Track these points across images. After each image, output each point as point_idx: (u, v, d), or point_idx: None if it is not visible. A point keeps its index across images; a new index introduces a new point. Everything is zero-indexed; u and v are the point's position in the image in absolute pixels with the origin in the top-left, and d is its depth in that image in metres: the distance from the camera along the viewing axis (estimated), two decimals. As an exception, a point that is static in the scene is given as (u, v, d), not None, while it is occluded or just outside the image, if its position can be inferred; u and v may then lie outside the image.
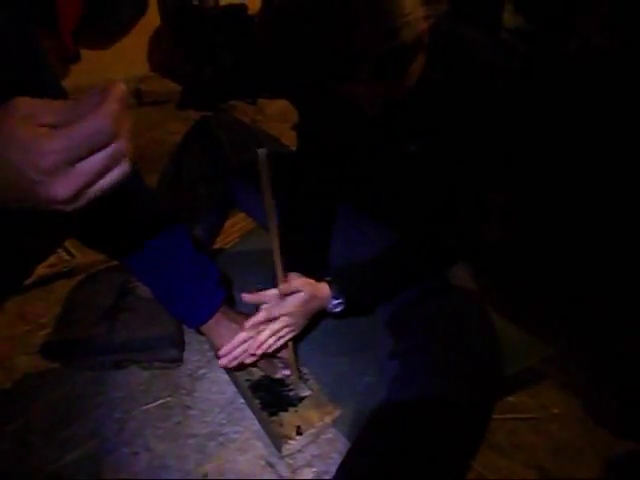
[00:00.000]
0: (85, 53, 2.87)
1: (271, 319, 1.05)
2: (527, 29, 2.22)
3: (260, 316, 1.05)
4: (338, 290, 1.06)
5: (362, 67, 0.83)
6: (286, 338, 1.08)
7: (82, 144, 0.48)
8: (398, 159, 1.10)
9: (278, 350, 1.11)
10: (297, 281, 1.03)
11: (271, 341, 1.07)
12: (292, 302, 1.04)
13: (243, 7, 3.03)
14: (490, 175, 1.07)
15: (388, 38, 0.81)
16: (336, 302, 1.06)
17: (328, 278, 1.08)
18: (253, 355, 1.09)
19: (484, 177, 1.06)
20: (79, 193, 0.50)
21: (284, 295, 1.04)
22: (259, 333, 1.06)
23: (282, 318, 1.05)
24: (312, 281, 1.06)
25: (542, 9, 2.16)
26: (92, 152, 0.49)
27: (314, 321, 1.17)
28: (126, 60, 3.06)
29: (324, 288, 1.06)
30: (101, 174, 0.50)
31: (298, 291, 1.04)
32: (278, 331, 1.06)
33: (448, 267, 1.12)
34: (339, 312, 1.08)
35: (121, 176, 0.52)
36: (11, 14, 0.73)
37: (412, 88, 0.94)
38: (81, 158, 0.49)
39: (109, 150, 0.50)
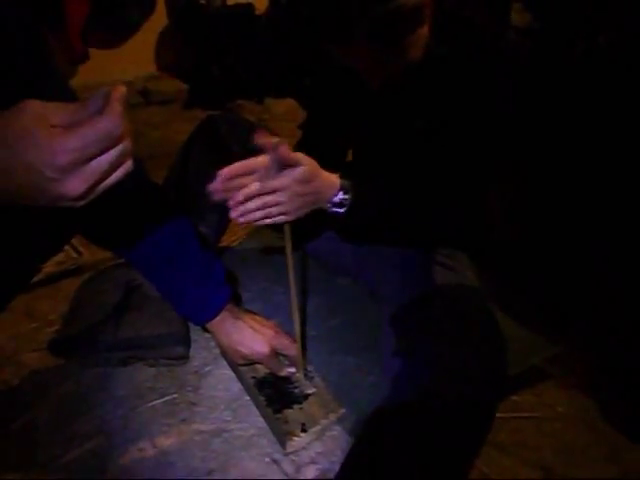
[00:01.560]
0: (93, 52, 2.88)
1: (264, 193, 0.90)
2: (535, 27, 2.21)
3: (253, 187, 0.89)
4: (347, 184, 0.96)
5: (359, 26, 0.84)
6: (274, 216, 0.92)
7: (94, 143, 0.51)
8: (404, 135, 1.10)
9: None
10: (300, 155, 0.90)
11: (258, 214, 0.91)
12: (291, 175, 0.89)
13: (250, 7, 3.03)
14: (494, 152, 1.07)
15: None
16: (341, 197, 0.96)
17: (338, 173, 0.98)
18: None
19: (489, 153, 1.06)
20: (90, 189, 0.53)
21: (283, 165, 0.89)
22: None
23: (275, 195, 0.89)
24: (316, 168, 0.93)
25: (550, 7, 2.16)
26: (102, 151, 0.52)
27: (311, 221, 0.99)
28: (133, 59, 3.07)
29: (332, 175, 0.95)
30: (110, 172, 0.54)
31: (301, 164, 0.90)
32: (267, 203, 0.90)
33: (453, 234, 1.11)
34: (341, 213, 0.97)
35: (125, 172, 0.56)
36: (20, 17, 0.74)
37: (416, 63, 0.95)
38: (92, 157, 0.52)
39: (117, 149, 0.53)
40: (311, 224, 0.98)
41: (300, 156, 0.89)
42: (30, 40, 0.76)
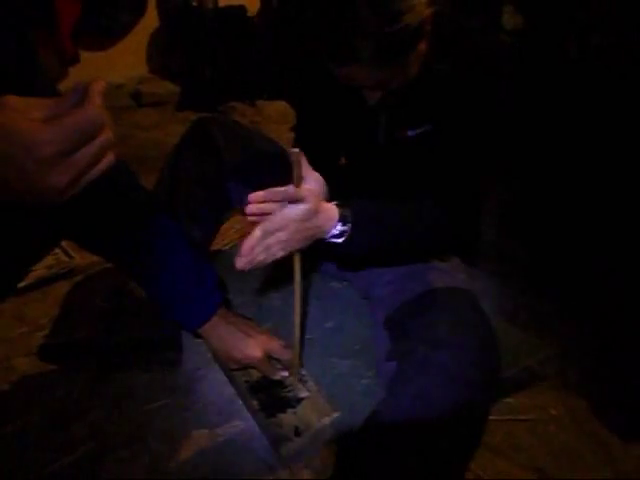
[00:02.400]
0: (84, 54, 2.89)
1: (266, 234, 0.93)
2: (526, 30, 2.23)
3: (255, 235, 0.92)
4: (346, 215, 0.96)
5: (364, 48, 0.84)
6: (276, 254, 0.95)
7: (75, 134, 0.52)
8: (395, 146, 1.11)
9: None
10: (305, 191, 0.92)
11: (262, 256, 0.94)
12: (293, 213, 0.92)
13: (242, 8, 3.04)
14: (488, 159, 1.08)
15: (391, 20, 0.82)
16: (340, 228, 0.97)
17: (337, 202, 0.99)
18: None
19: (482, 158, 1.07)
20: (73, 182, 0.53)
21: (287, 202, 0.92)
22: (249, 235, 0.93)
23: (277, 234, 0.93)
24: (319, 196, 0.96)
25: (541, 9, 2.17)
26: (84, 143, 0.52)
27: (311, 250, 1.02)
28: (125, 61, 3.07)
29: (331, 208, 0.96)
30: (92, 164, 0.54)
31: (302, 201, 0.92)
32: (269, 245, 0.93)
33: (450, 245, 1.12)
34: (340, 243, 0.98)
35: (108, 165, 0.56)
36: (10, 20, 0.74)
37: (414, 77, 0.96)
38: (74, 149, 0.52)
39: (99, 140, 0.53)
40: (308, 252, 1.00)
41: (305, 193, 0.91)
42: (20, 43, 0.75)
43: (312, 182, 0.95)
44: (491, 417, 1.06)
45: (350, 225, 0.96)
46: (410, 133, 1.07)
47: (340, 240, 0.98)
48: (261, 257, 0.93)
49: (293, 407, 1.09)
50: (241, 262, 0.92)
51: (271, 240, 0.92)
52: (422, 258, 1.13)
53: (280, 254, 0.95)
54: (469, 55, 0.99)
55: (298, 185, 0.91)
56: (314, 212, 0.93)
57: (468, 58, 0.99)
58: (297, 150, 0.83)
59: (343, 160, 1.31)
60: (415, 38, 0.89)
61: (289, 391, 1.12)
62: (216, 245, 1.56)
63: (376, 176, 1.21)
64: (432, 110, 1.04)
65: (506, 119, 1.04)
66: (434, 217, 1.05)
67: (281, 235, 0.92)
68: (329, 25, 0.85)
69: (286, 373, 1.14)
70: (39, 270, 1.42)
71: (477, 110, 1.01)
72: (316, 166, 1.01)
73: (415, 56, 0.93)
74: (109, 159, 0.56)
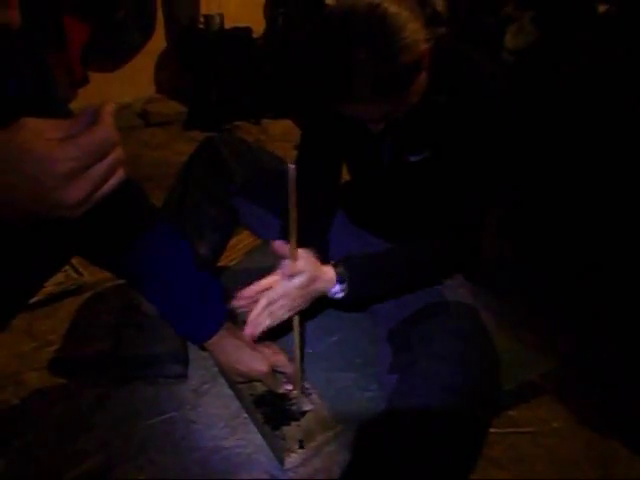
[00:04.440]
0: (93, 76, 2.93)
1: (270, 303, 0.99)
2: (527, 50, 2.27)
3: (260, 305, 0.98)
4: (342, 275, 1.01)
5: (363, 87, 0.87)
6: (282, 317, 1.01)
7: (91, 151, 0.55)
8: (399, 170, 1.13)
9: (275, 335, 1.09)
10: (300, 262, 0.98)
11: (267, 322, 0.99)
12: (293, 283, 0.98)
13: (248, 30, 3.08)
14: (490, 184, 1.10)
15: (387, 60, 0.85)
16: (339, 287, 1.02)
17: (333, 262, 1.04)
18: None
19: (484, 186, 1.09)
20: (88, 197, 0.56)
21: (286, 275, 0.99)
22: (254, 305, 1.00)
23: (280, 301, 0.99)
24: (316, 262, 1.01)
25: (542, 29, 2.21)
26: (98, 159, 0.56)
27: (314, 306, 1.08)
28: (133, 82, 3.12)
29: (328, 271, 1.01)
30: (105, 180, 0.57)
31: (300, 272, 0.98)
32: (273, 312, 0.99)
33: (452, 272, 1.13)
34: (340, 298, 1.04)
35: (119, 181, 0.59)
36: (27, 46, 0.77)
37: (415, 105, 0.98)
38: (89, 165, 0.55)
39: (111, 157, 0.57)
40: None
41: (301, 266, 0.97)
42: (36, 68, 0.79)
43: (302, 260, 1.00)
44: (492, 429, 1.07)
45: (348, 282, 1.01)
46: (412, 159, 1.10)
47: (341, 295, 1.03)
48: (267, 322, 0.99)
49: (297, 420, 1.10)
50: (250, 330, 0.99)
51: (275, 307, 0.99)
52: (426, 287, 1.15)
53: (285, 316, 1.01)
54: (468, 84, 1.01)
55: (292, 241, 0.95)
56: (313, 280, 0.99)
57: (467, 86, 1.01)
58: (293, 166, 0.86)
59: (346, 178, 1.33)
60: (412, 73, 0.91)
61: (293, 404, 1.13)
62: (223, 261, 1.57)
63: (381, 197, 1.24)
64: (432, 137, 1.06)
65: (508, 141, 1.06)
66: (435, 251, 1.08)
67: (284, 302, 0.99)
68: (326, 66, 0.88)
69: (290, 386, 1.15)
70: (49, 286, 1.44)
71: (477, 136, 1.03)
72: (318, 184, 1.04)
73: (414, 88, 0.95)
74: (120, 175, 0.59)
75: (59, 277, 1.49)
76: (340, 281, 1.01)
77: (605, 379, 1.29)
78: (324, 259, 1.08)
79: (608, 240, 1.76)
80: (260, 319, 0.98)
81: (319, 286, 1.00)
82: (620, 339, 1.40)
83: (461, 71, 1.02)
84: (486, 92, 1.02)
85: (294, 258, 0.96)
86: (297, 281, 0.98)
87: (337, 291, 1.02)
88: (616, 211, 1.81)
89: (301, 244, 0.98)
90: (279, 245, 0.98)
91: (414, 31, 0.86)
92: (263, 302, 0.98)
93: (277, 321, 1.00)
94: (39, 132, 0.54)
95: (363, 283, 1.04)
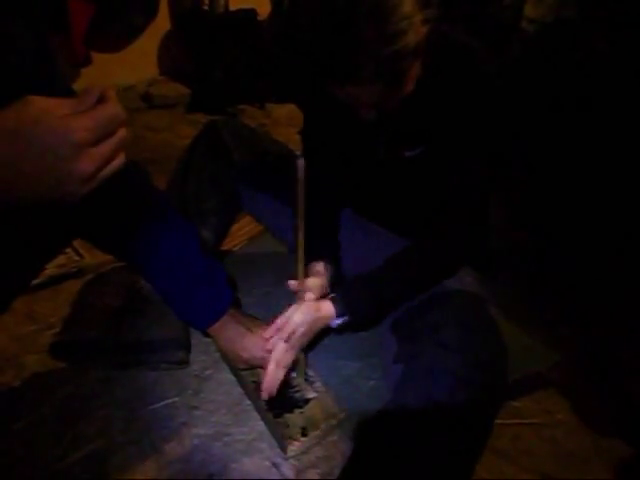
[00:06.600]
0: (96, 56, 2.90)
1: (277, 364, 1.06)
2: (547, 20, 2.24)
3: (270, 368, 1.06)
4: (342, 308, 1.06)
5: (364, 67, 0.85)
6: (289, 361, 1.08)
7: (105, 125, 0.57)
8: (396, 164, 1.12)
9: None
10: (298, 315, 1.05)
11: (277, 382, 1.07)
12: (295, 337, 1.06)
13: (253, 12, 3.05)
14: (488, 175, 1.09)
15: (393, 40, 0.83)
16: (340, 320, 1.07)
17: (331, 295, 1.08)
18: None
19: (482, 178, 1.08)
20: (96, 172, 0.57)
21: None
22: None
23: (286, 356, 1.07)
24: (314, 304, 1.07)
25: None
26: (109, 134, 0.58)
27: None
28: (136, 63, 3.08)
29: (328, 307, 1.06)
30: (111, 158, 0.59)
31: (299, 325, 1.05)
32: (279, 360, 1.06)
33: (452, 274, 1.12)
34: (344, 328, 1.10)
35: (121, 163, 0.61)
36: (27, 23, 0.76)
37: (407, 95, 0.97)
38: (101, 138, 0.57)
39: (120, 134, 0.59)
40: None
41: (299, 319, 1.05)
42: (38, 45, 0.77)
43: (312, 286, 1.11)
44: (497, 421, 1.05)
45: (348, 314, 1.07)
46: (408, 154, 1.09)
47: (341, 322, 1.08)
48: (278, 383, 1.07)
49: (300, 407, 1.09)
50: (266, 394, 1.06)
51: (282, 373, 1.07)
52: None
53: (291, 359, 1.09)
54: (459, 71, 1.00)
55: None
56: (315, 320, 1.06)
57: (458, 74, 1.00)
58: (302, 159, 0.85)
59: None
60: (413, 56, 0.89)
61: (297, 392, 1.13)
62: (226, 246, 1.56)
63: (379, 192, 1.22)
64: (427, 131, 1.06)
65: (503, 127, 1.05)
66: (436, 252, 1.09)
67: (288, 345, 1.06)
68: (330, 44, 0.86)
69: (294, 374, 1.14)
70: (50, 269, 1.42)
71: (470, 125, 1.03)
72: (323, 170, 1.03)
73: (412, 74, 0.94)
74: (122, 157, 0.61)
75: (60, 259, 1.47)
76: (340, 315, 1.07)
77: (610, 371, 1.28)
78: (336, 259, 1.20)
79: (619, 233, 1.75)
80: (274, 384, 1.06)
81: (320, 324, 1.08)
82: (628, 332, 1.39)
83: (455, 60, 1.01)
84: (479, 80, 1.01)
85: (300, 282, 1.06)
86: (299, 332, 1.05)
87: (339, 323, 1.08)
88: (632, 203, 1.79)
89: (311, 249, 1.07)
90: (293, 285, 1.08)
91: (414, 12, 0.85)
92: (272, 367, 1.05)
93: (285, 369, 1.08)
94: (46, 108, 0.54)
95: (363, 311, 1.08)
